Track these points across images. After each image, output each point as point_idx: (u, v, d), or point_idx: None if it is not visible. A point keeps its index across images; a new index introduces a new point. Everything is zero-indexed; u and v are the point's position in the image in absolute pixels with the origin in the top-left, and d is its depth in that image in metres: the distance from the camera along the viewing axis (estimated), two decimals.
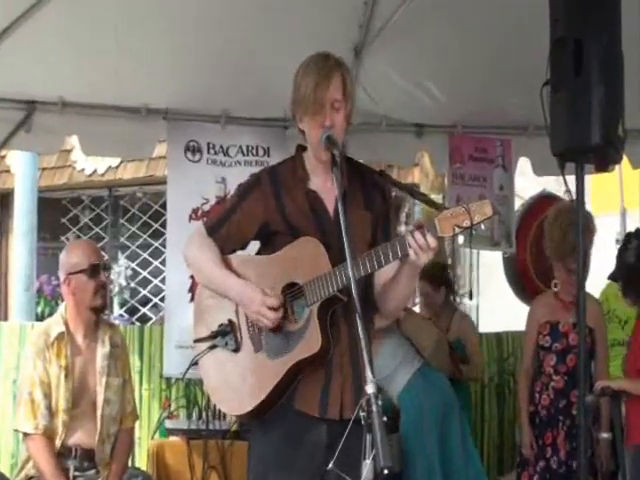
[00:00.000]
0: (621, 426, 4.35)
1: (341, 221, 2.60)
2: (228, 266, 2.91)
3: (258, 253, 2.99)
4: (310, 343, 2.72)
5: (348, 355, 2.80)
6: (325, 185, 2.86)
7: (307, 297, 2.75)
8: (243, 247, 3.00)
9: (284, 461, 2.81)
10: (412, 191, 3.11)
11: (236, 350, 2.87)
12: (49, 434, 3.90)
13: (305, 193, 2.88)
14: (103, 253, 4.34)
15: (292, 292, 2.80)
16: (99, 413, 3.99)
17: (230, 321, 2.89)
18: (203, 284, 2.99)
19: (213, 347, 2.90)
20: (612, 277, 4.94)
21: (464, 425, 4.97)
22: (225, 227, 2.93)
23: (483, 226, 2.54)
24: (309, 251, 2.77)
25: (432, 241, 2.58)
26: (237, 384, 2.87)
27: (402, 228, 9.32)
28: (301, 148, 2.95)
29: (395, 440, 4.56)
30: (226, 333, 2.88)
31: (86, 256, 4.08)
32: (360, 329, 2.46)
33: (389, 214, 2.95)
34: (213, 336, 2.90)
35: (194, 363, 2.97)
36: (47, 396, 3.91)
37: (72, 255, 4.13)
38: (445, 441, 4.83)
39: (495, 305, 9.10)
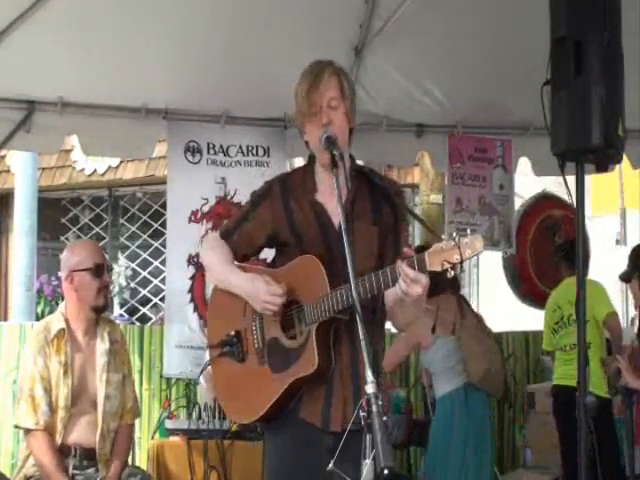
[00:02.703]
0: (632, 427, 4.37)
1: (342, 228, 2.59)
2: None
3: (273, 261, 3.03)
4: (306, 363, 2.76)
5: (349, 371, 2.82)
6: (331, 197, 2.85)
7: (306, 317, 2.78)
8: (255, 253, 3.05)
9: (290, 466, 2.85)
10: (413, 214, 3.13)
11: (242, 361, 2.93)
12: (50, 430, 3.90)
13: (312, 205, 2.89)
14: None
15: (294, 310, 2.83)
16: (100, 409, 3.99)
17: (237, 332, 2.94)
18: (215, 283, 3.05)
19: (222, 355, 2.97)
20: (624, 278, 4.96)
21: (487, 456, 5.00)
22: (237, 234, 2.99)
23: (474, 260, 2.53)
24: (308, 270, 2.79)
25: (421, 277, 2.53)
26: (242, 393, 2.94)
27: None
28: (313, 159, 2.96)
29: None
30: (233, 343, 2.94)
31: (91, 255, 4.08)
32: (360, 330, 2.45)
33: (399, 230, 2.93)
34: (221, 344, 2.96)
35: (204, 369, 3.09)
36: (47, 392, 3.91)
37: (76, 253, 4.12)
38: (468, 466, 4.87)
39: (495, 305, 9.10)
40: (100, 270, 4.06)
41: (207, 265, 3.06)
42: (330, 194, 2.86)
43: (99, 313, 4.10)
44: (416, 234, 8.78)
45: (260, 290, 2.81)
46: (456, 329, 4.94)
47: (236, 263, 2.99)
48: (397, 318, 2.91)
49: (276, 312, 2.83)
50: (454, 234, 2.51)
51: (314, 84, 2.79)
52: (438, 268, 2.51)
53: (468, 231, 2.51)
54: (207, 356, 3.07)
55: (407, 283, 2.55)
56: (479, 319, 5.17)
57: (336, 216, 2.85)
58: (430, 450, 4.96)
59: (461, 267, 2.54)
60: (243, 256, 3.00)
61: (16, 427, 4.09)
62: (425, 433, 5.17)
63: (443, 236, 2.53)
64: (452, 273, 2.52)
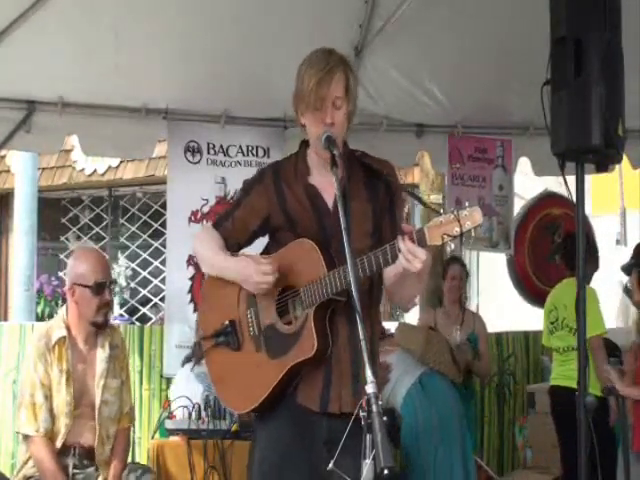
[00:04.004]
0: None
1: (342, 223, 2.59)
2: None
3: (266, 249, 3.02)
4: (306, 347, 2.75)
5: (348, 351, 2.82)
6: (325, 180, 2.86)
7: (303, 300, 2.78)
8: (249, 241, 3.04)
9: (285, 454, 2.85)
10: (410, 193, 3.13)
11: (238, 349, 2.93)
12: (50, 436, 3.89)
13: (305, 187, 2.89)
14: (105, 253, 4.30)
15: (290, 294, 2.83)
16: (97, 414, 3.98)
17: (232, 321, 2.94)
18: (207, 271, 3.05)
19: (216, 345, 2.97)
20: (625, 269, 4.98)
21: (466, 440, 4.99)
22: (230, 221, 2.99)
23: (473, 232, 2.50)
24: (304, 253, 2.79)
25: (420, 252, 2.54)
26: (239, 382, 2.93)
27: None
28: (305, 143, 2.96)
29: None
30: (228, 332, 2.94)
31: (93, 272, 4.02)
32: (360, 330, 2.46)
33: (395, 205, 2.93)
34: (216, 335, 2.96)
35: (201, 357, 3.06)
36: (48, 399, 3.90)
37: (80, 265, 4.06)
38: (444, 453, 4.86)
39: (495, 305, 9.10)
40: (101, 288, 4.01)
41: (198, 253, 3.06)
42: (324, 176, 2.86)
43: (98, 329, 4.08)
44: (416, 219, 8.78)
45: (251, 270, 2.81)
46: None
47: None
48: (396, 297, 2.90)
49: (270, 290, 2.82)
50: (452, 208, 2.52)
51: (325, 79, 2.77)
52: (438, 242, 2.52)
53: (466, 203, 2.52)
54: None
55: (407, 258, 2.55)
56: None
57: (330, 198, 2.86)
58: (403, 452, 4.96)
59: (461, 239, 2.52)
60: (237, 245, 3.00)
61: (17, 433, 4.08)
62: None
63: (441, 211, 2.53)
64: (452, 246, 2.53)
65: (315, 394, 2.82)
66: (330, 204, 2.86)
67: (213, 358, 3.01)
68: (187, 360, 3.09)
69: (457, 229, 2.48)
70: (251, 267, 2.82)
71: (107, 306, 4.08)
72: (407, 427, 4.89)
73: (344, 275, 2.65)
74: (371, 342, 2.81)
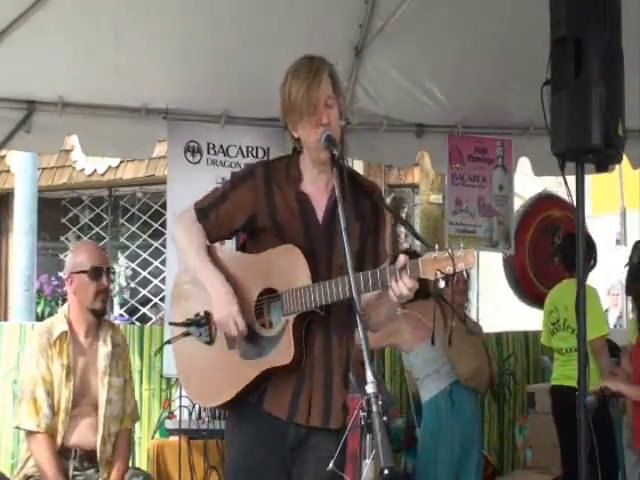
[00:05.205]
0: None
1: (342, 223, 2.60)
2: (214, 257, 2.89)
3: (243, 246, 2.99)
4: (282, 354, 2.74)
5: (321, 364, 2.82)
6: (317, 190, 2.86)
7: (284, 307, 2.75)
8: (231, 235, 3.02)
9: (252, 461, 2.84)
10: (402, 222, 3.14)
11: (209, 343, 2.89)
12: (51, 433, 3.90)
13: (296, 194, 2.87)
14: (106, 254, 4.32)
15: (269, 298, 2.80)
16: (101, 413, 3.99)
17: (207, 313, 2.89)
18: (183, 266, 2.99)
19: (187, 334, 2.93)
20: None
21: (479, 461, 5.00)
22: (214, 214, 2.92)
23: (465, 274, 2.57)
24: (291, 260, 2.77)
25: (410, 282, 2.59)
26: (207, 377, 2.90)
27: (402, 229, 9.32)
28: (297, 150, 2.94)
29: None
30: (201, 324, 2.89)
31: (89, 258, 4.07)
32: (361, 331, 2.46)
33: (379, 228, 2.93)
34: (188, 324, 2.92)
35: (167, 342, 3.03)
36: (49, 394, 3.91)
37: (77, 255, 4.14)
38: (462, 462, 4.86)
39: (495, 305, 9.11)
40: (98, 273, 4.04)
41: (180, 246, 2.95)
42: (316, 186, 2.86)
43: (98, 317, 4.09)
44: (417, 219, 8.77)
45: (233, 309, 2.76)
46: (437, 333, 4.89)
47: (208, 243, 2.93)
48: (370, 321, 2.86)
49: (230, 334, 2.79)
50: (446, 246, 2.58)
51: (314, 83, 2.78)
52: (432, 277, 2.58)
53: (461, 245, 2.57)
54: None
55: (400, 286, 2.59)
56: (462, 318, 5.15)
57: (320, 209, 2.85)
58: (420, 454, 4.96)
59: (453, 278, 2.60)
60: (218, 237, 2.95)
61: (17, 428, 4.09)
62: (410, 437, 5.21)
63: (436, 246, 2.58)
64: (443, 284, 2.58)
65: (284, 403, 2.81)
66: (320, 215, 2.85)
67: (182, 347, 2.97)
68: (167, 343, 3.07)
69: (450, 268, 2.54)
70: (233, 308, 2.76)
71: (105, 292, 4.10)
72: (428, 429, 4.89)
73: (330, 290, 2.66)
74: (346, 363, 2.86)
